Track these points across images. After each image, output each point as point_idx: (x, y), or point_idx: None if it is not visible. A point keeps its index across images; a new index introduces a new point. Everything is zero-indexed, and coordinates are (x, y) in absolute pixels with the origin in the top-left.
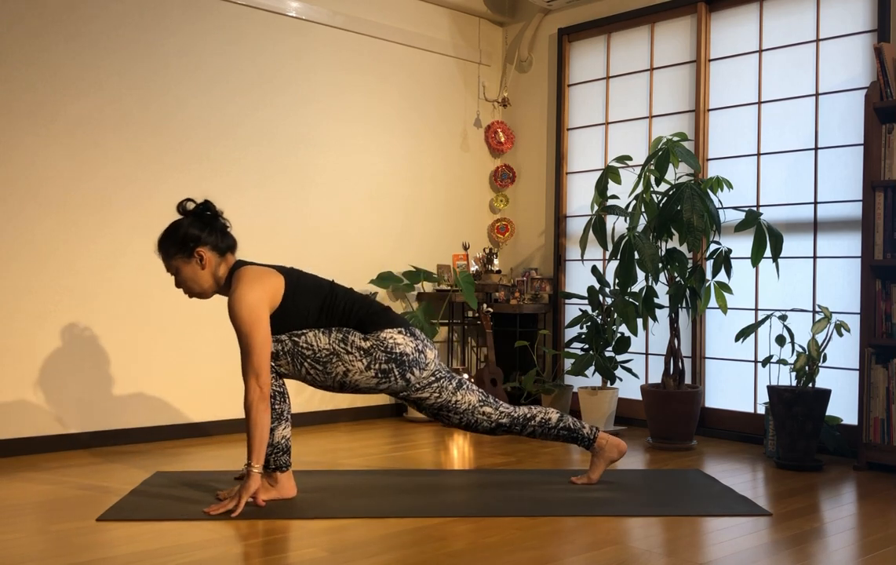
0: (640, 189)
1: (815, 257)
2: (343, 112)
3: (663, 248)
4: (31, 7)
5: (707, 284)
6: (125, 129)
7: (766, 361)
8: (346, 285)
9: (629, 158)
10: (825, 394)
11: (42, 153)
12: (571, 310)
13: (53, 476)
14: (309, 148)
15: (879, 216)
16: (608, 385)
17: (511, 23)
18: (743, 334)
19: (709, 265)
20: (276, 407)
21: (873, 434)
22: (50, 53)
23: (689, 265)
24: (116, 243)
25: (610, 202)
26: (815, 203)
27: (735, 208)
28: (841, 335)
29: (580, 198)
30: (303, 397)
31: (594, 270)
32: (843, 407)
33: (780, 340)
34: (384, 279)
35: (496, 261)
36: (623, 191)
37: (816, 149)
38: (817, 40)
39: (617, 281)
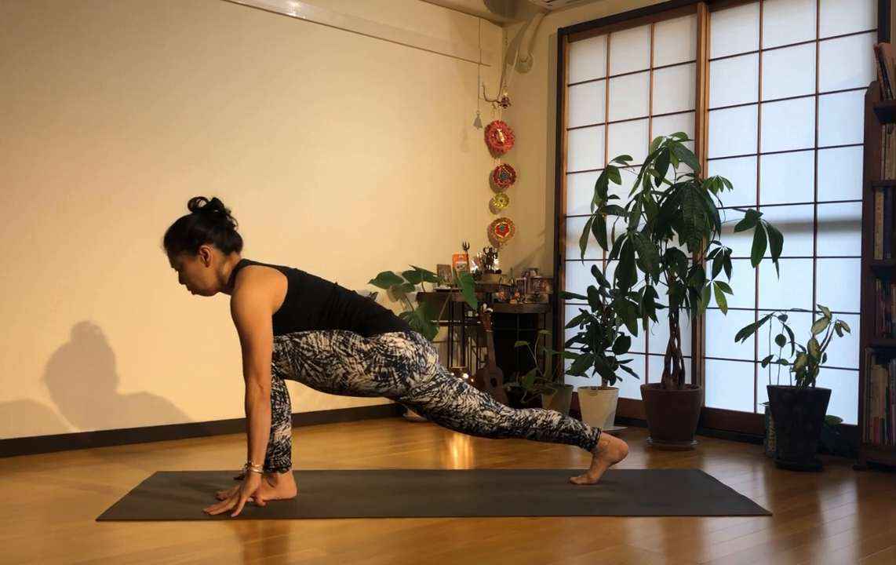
0: (640, 189)
1: (815, 257)
2: (343, 112)
3: (663, 248)
4: (31, 7)
5: (707, 284)
6: (125, 129)
7: (766, 361)
8: (347, 287)
9: (629, 158)
10: (825, 394)
11: (42, 153)
12: (571, 310)
13: (54, 476)
14: (309, 148)
15: (879, 216)
16: (608, 385)
17: (511, 23)
18: (743, 334)
19: (709, 265)
20: (277, 407)
21: (873, 434)
22: (50, 53)
23: (689, 265)
24: (116, 243)
25: (610, 202)
26: (815, 203)
27: (735, 208)
28: (841, 335)
29: (580, 198)
30: (303, 397)
31: (594, 270)
32: (843, 407)
33: (780, 340)
34: (384, 279)
35: (496, 261)
36: (623, 191)
37: (816, 149)
38: (817, 40)
39: (617, 281)
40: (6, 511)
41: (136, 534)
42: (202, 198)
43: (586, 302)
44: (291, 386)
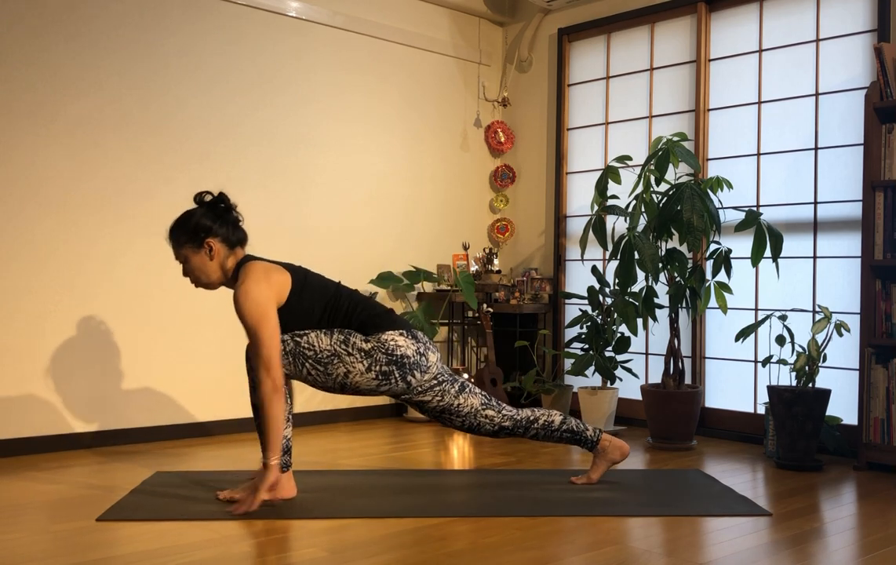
0: (640, 189)
1: (815, 257)
2: (343, 112)
3: (663, 248)
4: (31, 7)
5: (707, 284)
6: (125, 129)
7: (766, 361)
8: (350, 286)
9: (629, 158)
10: (825, 394)
11: (42, 153)
12: (571, 310)
13: (54, 476)
14: (309, 148)
15: (879, 216)
16: (608, 385)
17: (511, 23)
18: (743, 334)
19: (709, 265)
20: None
21: (873, 434)
22: (50, 53)
23: (689, 265)
24: (117, 243)
25: (610, 202)
26: (815, 203)
27: (735, 208)
28: (841, 335)
29: (580, 198)
30: (303, 397)
31: (594, 270)
32: (843, 407)
33: (780, 340)
34: (384, 279)
35: (496, 261)
36: (623, 191)
37: (816, 149)
38: (817, 40)
39: (617, 281)
40: (6, 511)
41: (136, 534)
42: (209, 193)
43: (586, 302)
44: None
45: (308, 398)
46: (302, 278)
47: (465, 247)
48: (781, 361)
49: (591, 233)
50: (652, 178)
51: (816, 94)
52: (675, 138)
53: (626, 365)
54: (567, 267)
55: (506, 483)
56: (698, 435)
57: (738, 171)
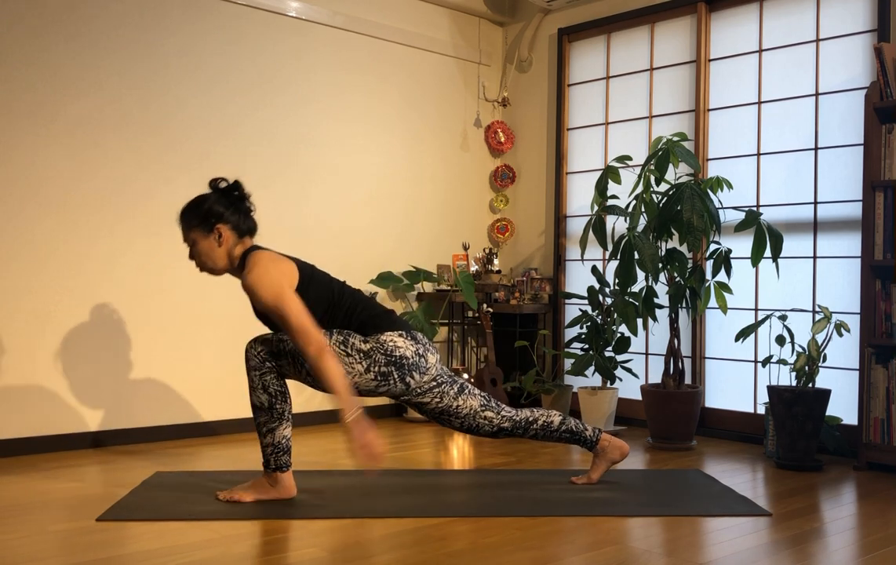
0: (640, 189)
1: (815, 257)
2: (343, 112)
3: (663, 248)
4: (31, 7)
5: (707, 284)
6: (125, 129)
7: (766, 361)
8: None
9: (629, 158)
10: (825, 394)
11: (42, 153)
12: (571, 310)
13: (54, 476)
14: (309, 148)
15: (879, 216)
16: (608, 385)
17: (511, 23)
18: (743, 334)
19: (709, 265)
20: (278, 406)
21: (873, 434)
22: (50, 53)
23: (689, 265)
24: (117, 243)
25: (610, 202)
26: (815, 203)
27: (735, 208)
28: (841, 335)
29: (580, 198)
30: (303, 397)
31: (594, 270)
32: (843, 407)
33: (780, 340)
34: (384, 279)
35: (496, 261)
36: (623, 191)
37: (816, 149)
38: (817, 40)
39: (617, 281)
40: (6, 511)
41: (136, 534)
42: (224, 179)
43: (586, 302)
44: (291, 386)
45: (308, 398)
46: (309, 273)
47: (465, 247)
48: (781, 361)
49: (591, 233)
50: (652, 178)
51: (816, 94)
52: (675, 138)
53: (626, 365)
54: (567, 267)
55: (506, 483)
56: (698, 435)
57: (738, 171)
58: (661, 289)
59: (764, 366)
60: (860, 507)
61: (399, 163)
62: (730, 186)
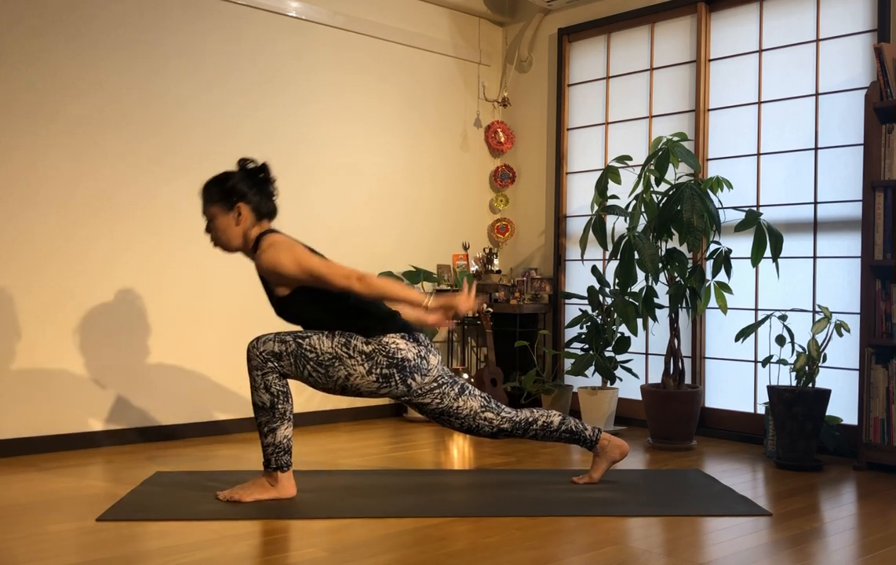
0: (640, 189)
1: (815, 257)
2: (343, 112)
3: (663, 248)
4: (31, 7)
5: (707, 284)
6: (125, 130)
7: (766, 361)
8: None
9: (629, 158)
10: (825, 394)
11: (42, 153)
12: (571, 310)
13: (53, 476)
14: (309, 148)
15: (879, 216)
16: (608, 385)
17: (511, 23)
18: (743, 334)
19: (709, 265)
20: (280, 406)
21: (873, 434)
22: (50, 53)
23: (689, 265)
24: (117, 244)
25: (610, 202)
26: (815, 203)
27: (735, 208)
28: (841, 335)
29: (580, 198)
30: (303, 397)
31: (594, 270)
32: (843, 407)
33: (780, 340)
34: None
35: (496, 261)
36: (623, 191)
37: (816, 149)
38: (817, 40)
39: (617, 281)
40: (6, 511)
41: (136, 534)
42: (252, 160)
43: (586, 302)
44: (292, 385)
45: (308, 398)
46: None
47: (465, 247)
48: (781, 361)
49: (591, 233)
50: (652, 178)
51: (816, 94)
52: (675, 138)
53: (626, 365)
54: (567, 267)
55: (506, 483)
56: (698, 435)
57: (738, 171)
58: (661, 289)
59: (764, 366)
60: (860, 507)
61: (399, 163)
62: (730, 186)
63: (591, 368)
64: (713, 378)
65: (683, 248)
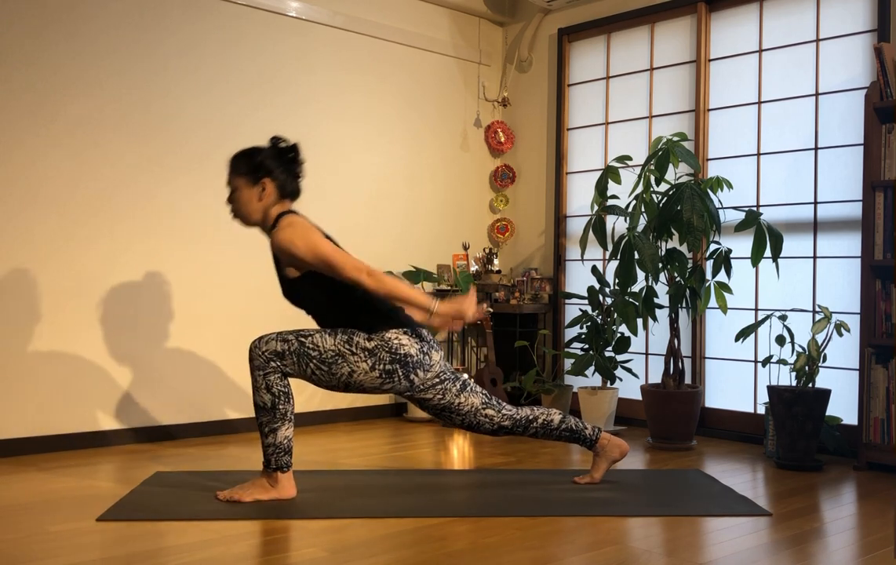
0: (640, 189)
1: (815, 257)
2: (343, 112)
3: (663, 248)
4: (30, 6)
5: (707, 284)
6: (125, 130)
7: (766, 361)
8: None
9: (629, 158)
10: (825, 394)
11: (42, 153)
12: (571, 310)
13: (53, 476)
14: (309, 148)
15: (879, 216)
16: (608, 385)
17: (511, 23)
18: (743, 334)
19: (709, 265)
20: (281, 407)
21: (873, 434)
22: (50, 53)
23: (689, 265)
24: (117, 244)
25: (610, 202)
26: (815, 203)
27: (735, 208)
28: (841, 335)
29: (580, 198)
30: (303, 397)
31: (594, 270)
32: (843, 407)
33: (780, 340)
34: None
35: (496, 261)
36: (623, 191)
37: (816, 149)
38: (817, 40)
39: (617, 281)
40: (6, 511)
41: (136, 534)
42: (284, 140)
43: (586, 302)
44: (291, 384)
45: (308, 398)
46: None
47: (465, 247)
48: (781, 361)
49: (591, 233)
50: (652, 178)
51: (816, 94)
52: (675, 138)
53: (626, 365)
54: (567, 267)
55: (506, 483)
56: (698, 436)
57: (738, 171)
58: (661, 289)
59: (764, 366)
60: (860, 507)
61: (399, 163)
62: (730, 186)
63: (591, 368)
64: (713, 378)
65: (683, 248)
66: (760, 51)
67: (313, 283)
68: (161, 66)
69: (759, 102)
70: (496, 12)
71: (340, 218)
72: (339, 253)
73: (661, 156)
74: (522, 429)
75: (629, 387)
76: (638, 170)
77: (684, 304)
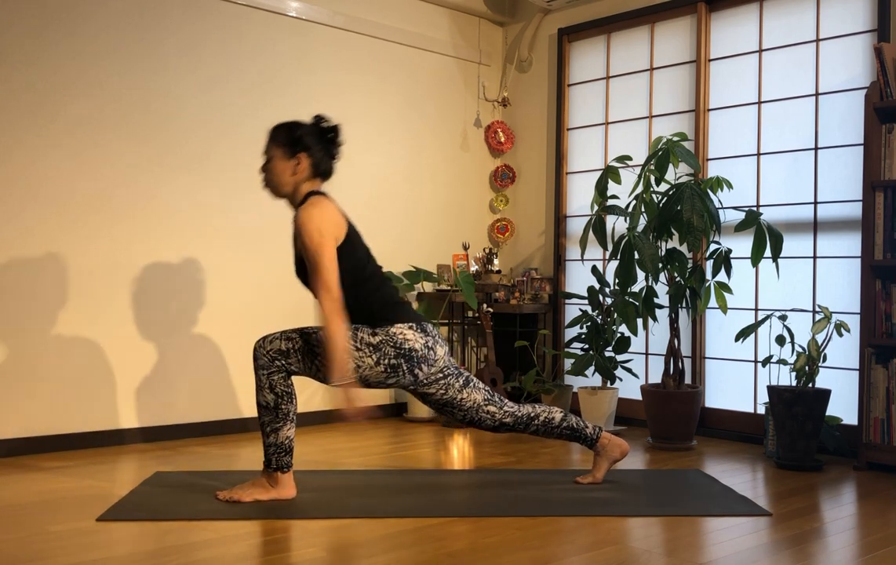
0: (640, 189)
1: (815, 257)
2: (343, 112)
3: (663, 248)
4: (30, 6)
5: (707, 284)
6: (125, 129)
7: (766, 361)
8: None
9: (629, 158)
10: (825, 394)
11: (42, 153)
12: (571, 310)
13: (53, 476)
14: None
15: (879, 216)
16: (608, 385)
17: (511, 23)
18: (743, 334)
19: (709, 265)
20: (284, 407)
21: (873, 434)
22: (50, 53)
23: (689, 265)
24: (117, 243)
25: (610, 202)
26: (815, 203)
27: (735, 208)
28: (841, 335)
29: (580, 198)
30: (303, 397)
31: (594, 270)
32: (843, 407)
33: (780, 340)
34: None
35: (496, 261)
36: (623, 191)
37: (816, 149)
38: (817, 40)
39: (617, 281)
40: (6, 511)
41: (136, 534)
42: (327, 120)
43: (586, 302)
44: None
45: (308, 398)
46: (354, 239)
47: (465, 247)
48: (781, 361)
49: (591, 233)
50: (652, 178)
51: (816, 94)
52: (675, 138)
53: (626, 365)
54: (567, 267)
55: (506, 483)
56: (698, 435)
57: (738, 171)
58: (661, 289)
59: (764, 366)
60: (860, 507)
61: (399, 163)
62: (730, 186)
63: (591, 368)
64: (713, 378)
65: (683, 248)
66: (760, 51)
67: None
68: (161, 65)
69: (759, 102)
70: (496, 12)
71: None
72: (328, 269)
73: (661, 156)
74: (523, 427)
75: (629, 387)
76: (638, 170)
77: (684, 304)
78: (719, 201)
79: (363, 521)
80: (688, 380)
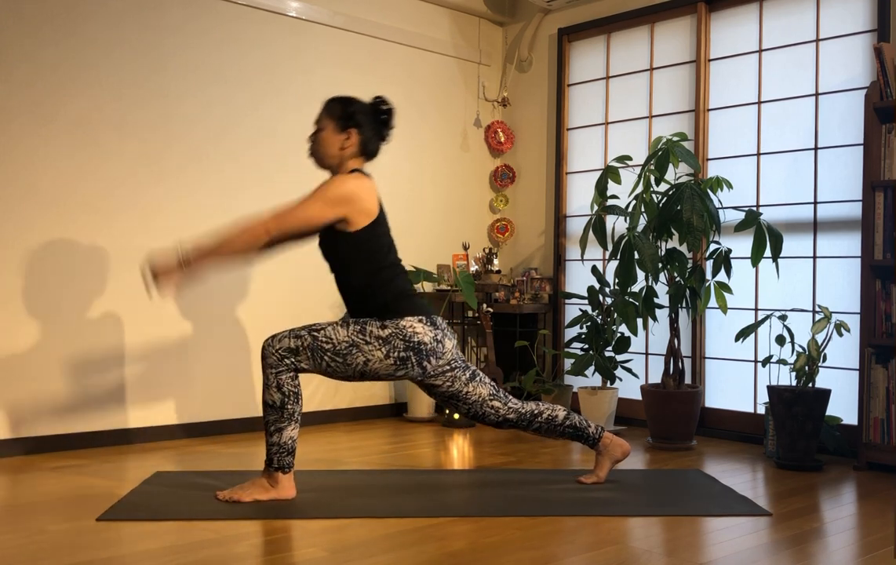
0: (640, 189)
1: (815, 257)
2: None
3: (663, 248)
4: (30, 4)
5: (707, 284)
6: (124, 128)
7: (766, 361)
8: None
9: (629, 158)
10: (825, 394)
11: (41, 151)
12: (571, 310)
13: (53, 476)
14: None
15: (879, 216)
16: (608, 385)
17: (511, 23)
18: (743, 334)
19: (709, 265)
20: (289, 407)
21: (873, 434)
22: (49, 51)
23: (689, 265)
24: (116, 242)
25: (610, 202)
26: (815, 203)
27: (735, 208)
28: (841, 335)
29: (580, 198)
30: (303, 396)
31: (594, 270)
32: (843, 407)
33: (780, 340)
34: None
35: (496, 261)
36: (623, 191)
37: (816, 149)
38: (817, 40)
39: (617, 281)
40: (6, 511)
41: (136, 534)
42: (385, 102)
43: (586, 302)
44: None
45: (308, 397)
46: (383, 225)
47: (465, 247)
48: (781, 361)
49: (591, 233)
50: (652, 178)
51: (816, 94)
52: (675, 138)
53: (626, 365)
54: (567, 267)
55: (506, 483)
56: (698, 436)
57: (738, 171)
58: (661, 289)
59: (764, 366)
60: (860, 507)
61: (399, 163)
62: (730, 186)
63: (591, 368)
64: (713, 378)
65: (683, 248)
66: (760, 51)
67: (355, 244)
68: (160, 64)
69: (759, 102)
70: (496, 12)
71: None
72: (307, 213)
73: (661, 156)
74: (526, 424)
75: (629, 387)
76: (638, 170)
77: (684, 304)
78: (719, 201)
79: (363, 521)
80: (688, 380)
